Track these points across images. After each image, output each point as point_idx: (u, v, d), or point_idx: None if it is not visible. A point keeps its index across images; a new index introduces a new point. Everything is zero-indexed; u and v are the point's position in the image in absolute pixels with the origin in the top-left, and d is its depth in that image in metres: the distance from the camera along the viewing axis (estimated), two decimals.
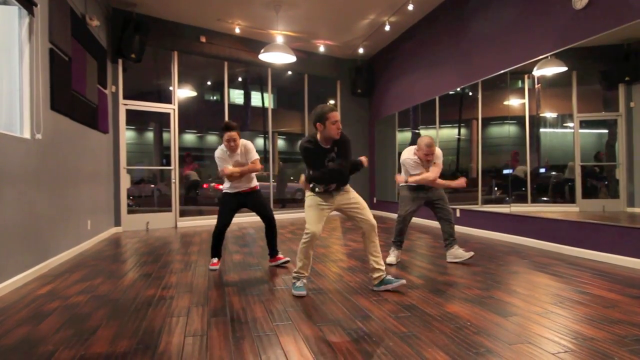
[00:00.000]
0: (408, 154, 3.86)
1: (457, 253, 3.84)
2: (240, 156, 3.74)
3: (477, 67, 5.64)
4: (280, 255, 3.93)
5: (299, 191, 9.29)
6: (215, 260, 3.82)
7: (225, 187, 3.82)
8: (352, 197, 3.02)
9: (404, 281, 2.99)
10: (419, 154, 3.76)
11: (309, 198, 3.01)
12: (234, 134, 3.61)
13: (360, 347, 1.99)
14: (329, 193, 2.99)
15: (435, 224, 6.50)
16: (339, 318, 2.41)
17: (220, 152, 3.74)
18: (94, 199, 5.31)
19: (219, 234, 3.80)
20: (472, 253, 3.81)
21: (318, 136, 2.90)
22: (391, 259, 3.88)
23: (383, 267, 2.99)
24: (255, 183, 3.87)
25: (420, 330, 2.18)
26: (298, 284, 2.96)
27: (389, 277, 3.00)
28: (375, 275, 2.98)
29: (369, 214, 3.00)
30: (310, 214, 2.95)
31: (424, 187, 3.86)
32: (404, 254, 4.27)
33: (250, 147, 3.80)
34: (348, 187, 3.05)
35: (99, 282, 3.32)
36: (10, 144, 3.17)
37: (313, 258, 4.13)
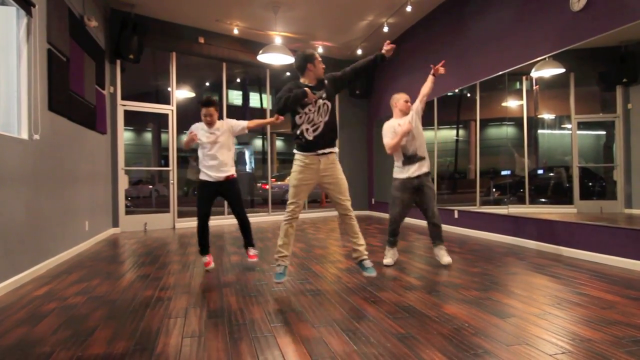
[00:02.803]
0: (390, 125, 3.87)
1: (439, 253, 3.84)
2: (221, 135, 3.70)
3: (475, 68, 5.65)
4: (252, 253, 3.89)
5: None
6: (206, 259, 3.72)
7: (201, 175, 3.74)
8: (333, 174, 3.04)
9: (374, 274, 3.04)
10: (400, 104, 3.86)
11: (293, 169, 3.07)
12: (210, 109, 3.65)
13: (358, 348, 1.99)
14: (316, 157, 3.01)
15: None
16: (337, 319, 2.41)
17: (195, 126, 3.75)
18: (91, 199, 5.30)
19: (201, 227, 3.69)
20: (450, 260, 3.77)
21: (304, 79, 3.08)
22: (387, 260, 3.88)
23: (361, 248, 3.06)
24: (231, 171, 3.73)
25: (417, 332, 2.18)
26: (278, 269, 3.05)
27: (366, 262, 3.06)
28: (355, 255, 3.10)
29: (344, 197, 3.05)
30: (291, 192, 3.06)
31: (412, 179, 3.78)
32: (402, 255, 4.27)
33: (234, 121, 3.81)
34: (334, 157, 3.08)
35: (96, 283, 3.32)
36: (8, 145, 3.17)
37: (312, 259, 4.14)
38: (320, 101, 3.03)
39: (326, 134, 3.03)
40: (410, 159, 3.79)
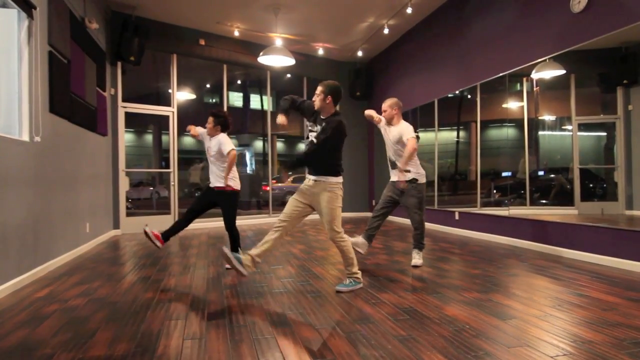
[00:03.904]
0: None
1: (412, 254, 3.89)
2: (214, 146, 3.82)
3: (475, 70, 5.65)
4: (163, 241, 3.84)
5: (288, 194, 9.31)
6: (156, 231, 3.66)
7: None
8: (324, 205, 2.96)
9: (343, 290, 3.04)
10: (390, 111, 3.84)
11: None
12: (209, 118, 3.86)
13: (359, 350, 1.99)
14: (311, 181, 3.02)
15: (434, 226, 6.51)
16: (338, 321, 2.41)
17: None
18: (92, 201, 5.30)
19: (184, 215, 3.82)
20: (418, 263, 3.80)
21: None
22: (360, 248, 3.94)
23: (350, 271, 3.10)
24: (221, 183, 3.78)
25: (418, 333, 2.18)
26: (243, 258, 2.89)
27: (347, 280, 3.10)
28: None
29: (328, 227, 2.99)
30: (287, 204, 3.10)
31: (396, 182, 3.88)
32: (402, 256, 4.27)
33: (222, 139, 3.83)
34: (324, 187, 2.96)
35: (97, 285, 3.32)
36: (9, 147, 3.17)
37: (313, 261, 4.14)
38: (311, 135, 3.05)
39: (312, 163, 3.05)
40: (392, 164, 3.94)
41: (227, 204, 3.83)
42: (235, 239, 3.90)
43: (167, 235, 3.72)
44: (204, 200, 3.88)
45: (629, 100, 3.83)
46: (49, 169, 3.93)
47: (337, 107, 3.09)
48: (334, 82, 3.04)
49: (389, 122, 3.88)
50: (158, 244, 3.64)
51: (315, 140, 2.95)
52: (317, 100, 3.00)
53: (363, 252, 3.96)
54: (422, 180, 3.84)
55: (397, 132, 3.78)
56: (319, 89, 2.99)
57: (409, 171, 3.77)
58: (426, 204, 6.83)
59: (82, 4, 5.05)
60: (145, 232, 3.61)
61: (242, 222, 7.42)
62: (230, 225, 3.85)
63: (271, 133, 8.62)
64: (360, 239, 3.96)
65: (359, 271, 3.13)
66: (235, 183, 3.81)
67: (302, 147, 3.21)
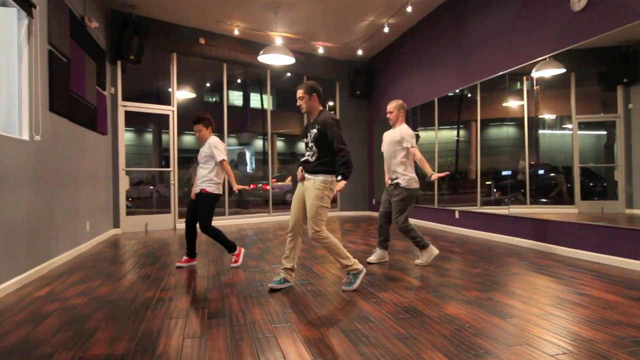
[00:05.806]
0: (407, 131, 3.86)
1: (422, 255, 3.89)
2: (203, 151, 3.86)
3: (475, 68, 5.65)
4: (232, 260, 3.96)
5: (289, 193, 9.27)
6: (184, 257, 3.98)
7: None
8: (310, 200, 2.96)
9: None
10: (396, 113, 3.93)
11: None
12: (195, 126, 3.89)
13: (359, 349, 1.99)
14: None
15: (433, 225, 6.51)
16: (338, 320, 2.41)
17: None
18: (92, 200, 5.30)
19: (186, 228, 3.94)
20: (420, 262, 3.84)
21: None
22: (370, 257, 3.99)
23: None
24: (201, 187, 3.80)
25: (419, 332, 2.18)
26: (275, 278, 3.15)
27: (347, 277, 3.09)
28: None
29: (309, 221, 2.99)
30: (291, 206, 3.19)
31: (389, 185, 3.97)
32: (403, 255, 4.27)
33: (215, 144, 3.83)
34: (312, 181, 2.97)
35: (97, 283, 3.32)
36: (9, 146, 3.17)
37: (313, 260, 4.14)
38: (308, 138, 3.04)
39: (308, 163, 3.05)
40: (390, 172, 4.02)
41: (201, 205, 3.80)
42: (218, 238, 3.86)
43: (189, 252, 3.95)
44: (191, 207, 3.93)
45: (629, 99, 3.82)
46: (49, 168, 3.93)
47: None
48: (311, 81, 3.14)
49: (392, 124, 4.00)
50: (193, 263, 3.98)
51: (336, 143, 2.92)
52: (302, 104, 3.05)
53: (387, 258, 4.04)
54: (409, 186, 3.79)
55: (398, 133, 3.87)
56: (300, 92, 3.04)
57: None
58: (425, 203, 6.86)
59: (82, 3, 5.05)
60: (177, 266, 3.90)
61: (242, 221, 7.47)
62: (204, 227, 3.79)
63: (271, 132, 8.61)
64: (379, 252, 4.01)
65: (354, 260, 3.07)
66: (216, 187, 3.83)
67: (301, 146, 3.17)
